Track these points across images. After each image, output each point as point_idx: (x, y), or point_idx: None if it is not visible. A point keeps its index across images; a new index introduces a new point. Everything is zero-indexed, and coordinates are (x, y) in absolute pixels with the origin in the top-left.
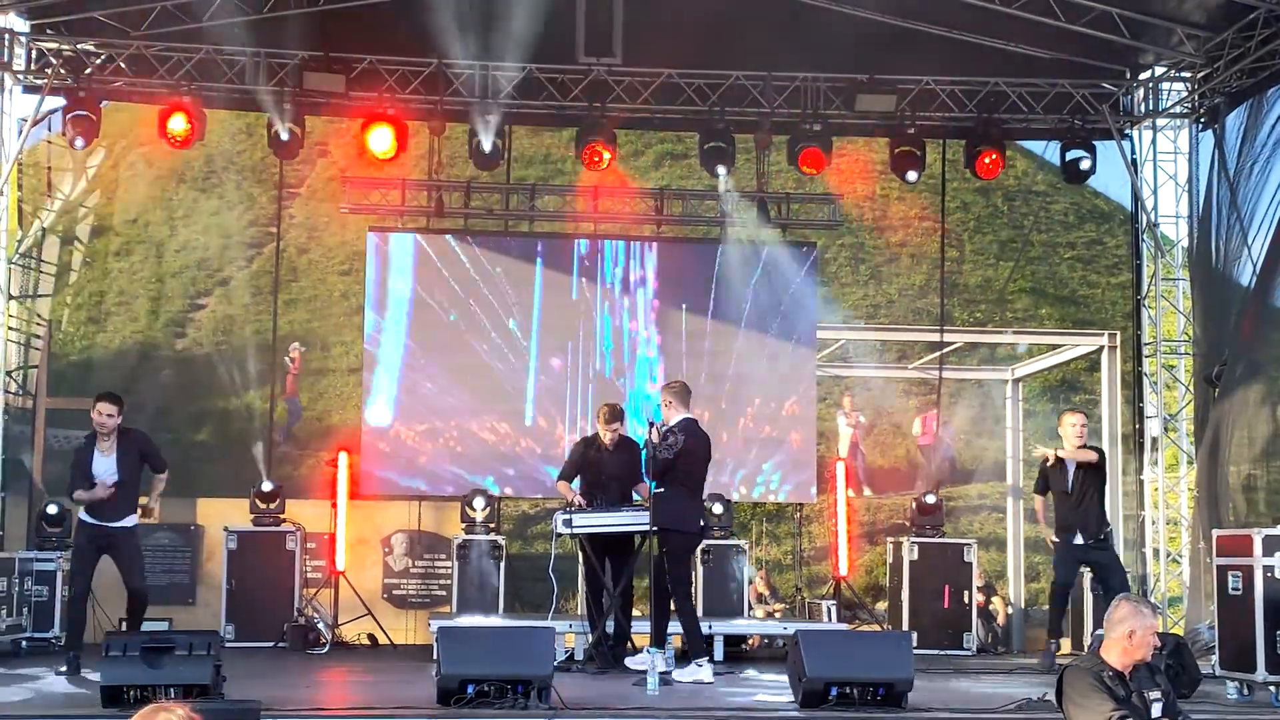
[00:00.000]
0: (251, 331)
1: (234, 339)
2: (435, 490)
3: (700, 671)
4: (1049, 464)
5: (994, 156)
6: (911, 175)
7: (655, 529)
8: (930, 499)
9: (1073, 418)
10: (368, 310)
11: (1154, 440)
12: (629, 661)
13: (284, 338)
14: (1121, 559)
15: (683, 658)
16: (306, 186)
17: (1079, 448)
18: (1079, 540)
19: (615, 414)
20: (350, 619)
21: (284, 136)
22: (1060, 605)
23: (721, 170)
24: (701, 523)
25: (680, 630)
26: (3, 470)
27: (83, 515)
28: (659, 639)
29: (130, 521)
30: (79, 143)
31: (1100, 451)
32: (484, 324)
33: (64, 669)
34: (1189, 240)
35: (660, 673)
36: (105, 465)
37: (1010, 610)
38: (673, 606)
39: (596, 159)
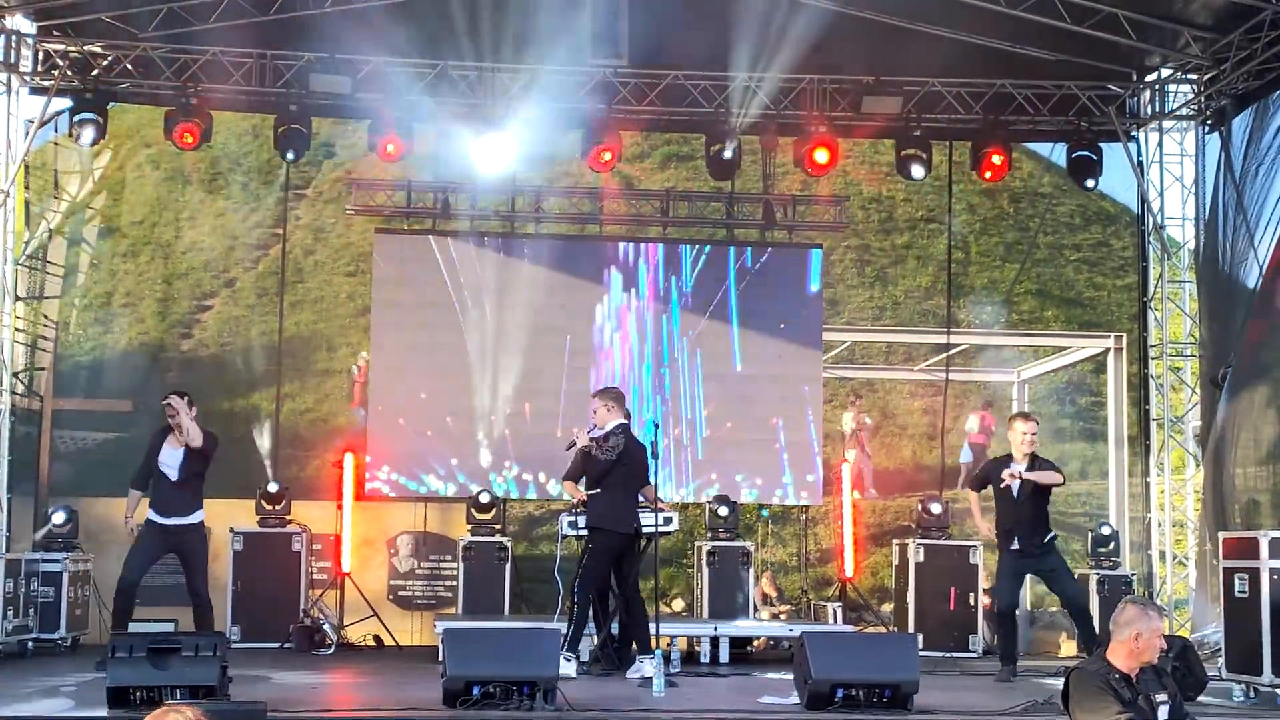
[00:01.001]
0: (257, 333)
1: (240, 340)
2: (441, 492)
3: (568, 666)
4: (997, 462)
5: (1001, 158)
6: (917, 176)
7: (589, 528)
8: (936, 508)
9: (1024, 425)
10: (374, 311)
11: (1196, 440)
12: (628, 674)
13: (289, 339)
14: (1129, 565)
15: (688, 660)
16: (312, 188)
17: (1033, 466)
18: (1016, 546)
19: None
20: (356, 620)
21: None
22: (1010, 630)
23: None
24: (635, 525)
25: (680, 634)
26: (10, 471)
27: (151, 515)
28: (645, 646)
29: (197, 518)
30: (87, 135)
31: (1060, 471)
32: (490, 325)
33: (101, 663)
34: (1195, 242)
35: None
36: (173, 457)
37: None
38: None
39: (603, 161)
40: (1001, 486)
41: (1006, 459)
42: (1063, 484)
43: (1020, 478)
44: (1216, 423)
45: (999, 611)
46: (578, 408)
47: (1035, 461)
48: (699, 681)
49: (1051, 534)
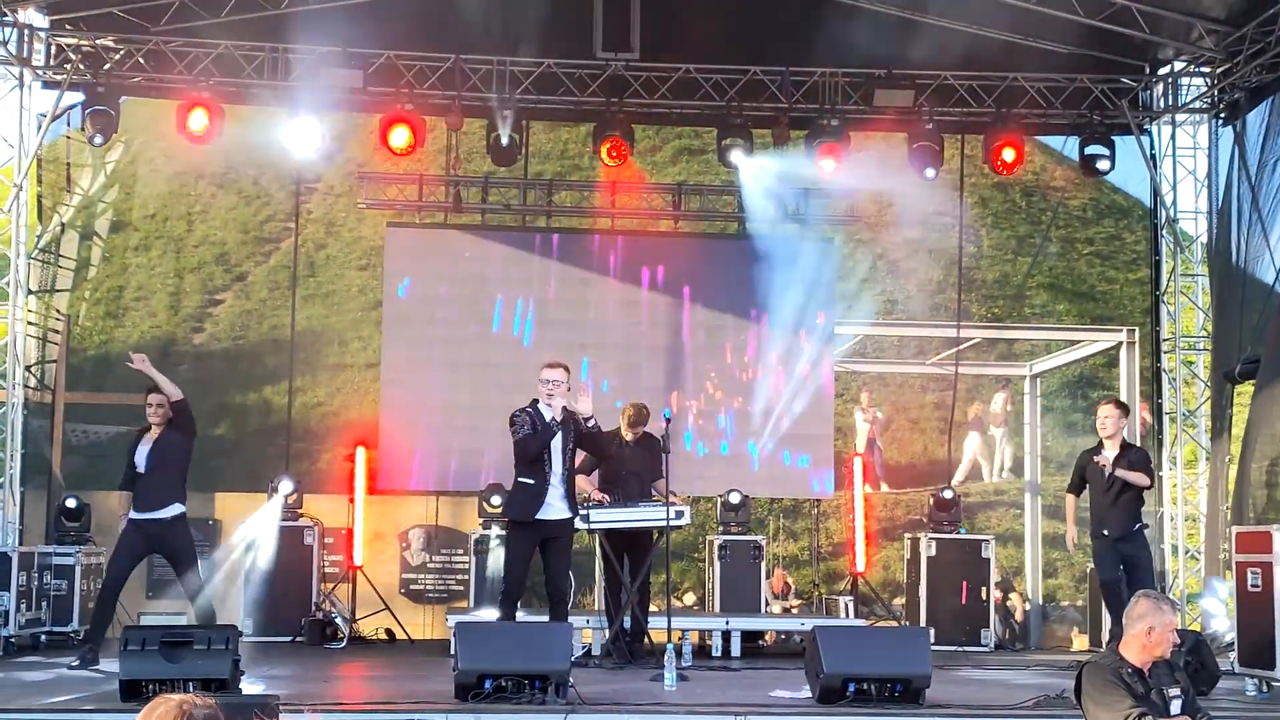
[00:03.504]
0: (269, 327)
1: (251, 334)
2: (453, 485)
3: None
4: (1093, 463)
5: (1014, 153)
6: (929, 173)
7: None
8: (948, 494)
9: (1101, 409)
10: (385, 305)
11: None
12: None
13: (301, 333)
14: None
15: (699, 654)
16: (324, 182)
17: (1124, 466)
18: (1107, 533)
19: (641, 417)
20: (368, 614)
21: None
22: (1116, 602)
23: (738, 164)
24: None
25: (691, 627)
26: (22, 464)
27: (131, 512)
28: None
29: (174, 510)
30: (98, 139)
31: (1149, 473)
32: (501, 319)
33: (77, 662)
34: (1208, 236)
35: None
36: (145, 450)
37: (1028, 606)
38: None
39: (614, 154)
40: (1097, 466)
41: (1097, 448)
42: (1149, 486)
43: (1108, 465)
44: (1248, 419)
45: (1101, 583)
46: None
47: (1126, 449)
48: (710, 675)
49: (1141, 524)
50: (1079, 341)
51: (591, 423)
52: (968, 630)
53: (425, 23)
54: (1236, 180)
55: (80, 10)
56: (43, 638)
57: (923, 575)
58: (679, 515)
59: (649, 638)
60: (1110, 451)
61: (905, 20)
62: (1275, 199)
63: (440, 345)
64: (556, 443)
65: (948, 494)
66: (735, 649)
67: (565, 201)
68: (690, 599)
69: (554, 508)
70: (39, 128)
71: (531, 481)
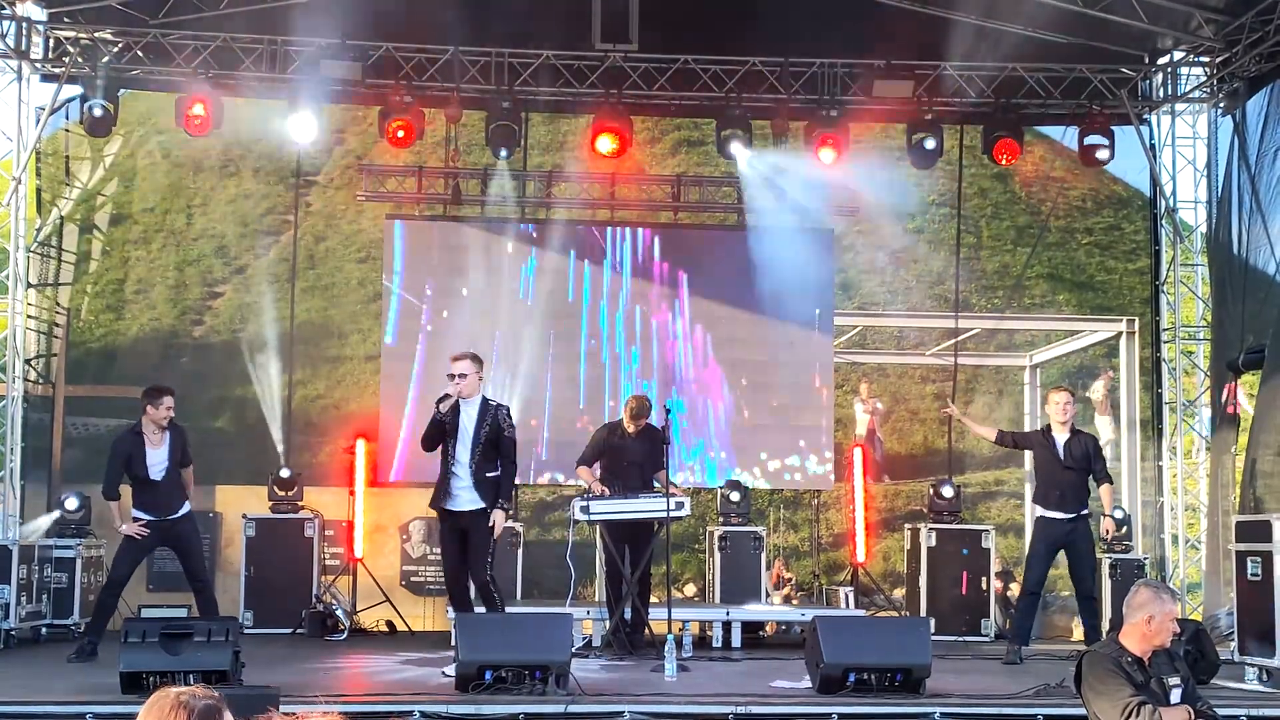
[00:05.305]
0: (269, 319)
1: (251, 327)
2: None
3: None
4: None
5: (1012, 141)
6: (929, 143)
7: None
8: (948, 491)
9: (1057, 395)
10: (385, 298)
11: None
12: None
13: (301, 325)
14: (1141, 549)
15: (700, 644)
16: (323, 174)
17: (1074, 436)
18: (1055, 508)
19: (643, 409)
20: (368, 605)
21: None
22: (1031, 608)
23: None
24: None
25: (692, 618)
26: (23, 458)
27: (137, 512)
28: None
29: (187, 507)
30: (98, 111)
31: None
32: (501, 310)
33: (74, 655)
34: (1208, 225)
35: None
36: (155, 457)
37: None
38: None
39: (613, 146)
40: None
41: (1046, 430)
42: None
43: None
44: (1254, 409)
45: (1026, 589)
46: (590, 393)
47: (1075, 434)
48: (711, 666)
49: (1087, 509)
50: (1079, 331)
51: (497, 531)
52: (968, 620)
53: (424, 15)
54: (1236, 170)
55: (78, 3)
56: (43, 631)
57: (923, 565)
58: (679, 506)
59: (649, 629)
60: (1062, 435)
61: (904, 11)
62: (1275, 188)
63: (439, 336)
64: (464, 434)
65: (947, 485)
66: (736, 640)
67: (564, 193)
68: (691, 590)
69: (459, 498)
70: (37, 121)
71: (440, 471)
